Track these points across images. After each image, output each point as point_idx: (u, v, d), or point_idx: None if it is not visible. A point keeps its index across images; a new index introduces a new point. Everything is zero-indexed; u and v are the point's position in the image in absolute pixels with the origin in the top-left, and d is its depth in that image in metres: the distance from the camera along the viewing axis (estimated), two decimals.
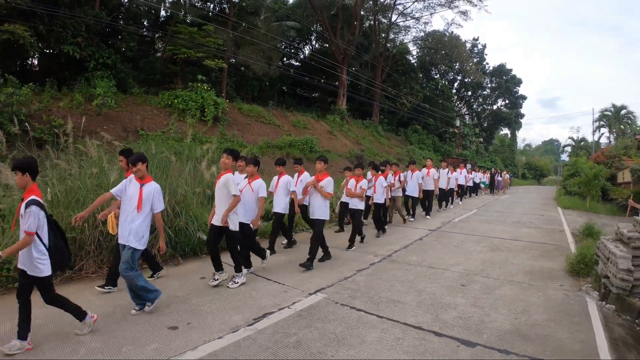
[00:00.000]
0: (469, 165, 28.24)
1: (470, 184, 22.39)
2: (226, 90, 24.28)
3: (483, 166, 37.79)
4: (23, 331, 3.97)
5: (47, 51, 18.55)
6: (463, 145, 47.01)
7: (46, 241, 4.07)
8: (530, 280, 6.61)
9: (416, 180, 12.91)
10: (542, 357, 3.97)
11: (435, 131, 43.22)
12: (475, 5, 36.01)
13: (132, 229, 4.80)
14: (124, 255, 4.80)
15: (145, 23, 25.31)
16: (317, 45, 39.76)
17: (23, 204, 3.95)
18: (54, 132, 12.25)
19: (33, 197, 3.98)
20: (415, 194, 13.06)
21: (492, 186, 29.00)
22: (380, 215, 10.36)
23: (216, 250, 5.94)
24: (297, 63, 37.53)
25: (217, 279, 5.94)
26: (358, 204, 8.64)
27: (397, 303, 5.35)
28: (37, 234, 3.98)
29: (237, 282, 5.90)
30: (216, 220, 5.86)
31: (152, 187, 4.95)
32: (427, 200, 14.06)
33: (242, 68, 27.73)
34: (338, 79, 34.98)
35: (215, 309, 5.03)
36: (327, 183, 7.23)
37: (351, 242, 8.70)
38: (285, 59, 35.35)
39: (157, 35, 24.27)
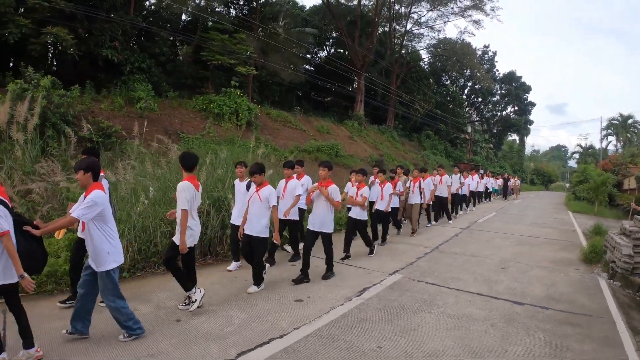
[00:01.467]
0: (481, 171, 30.06)
1: (482, 189, 23.18)
2: (251, 96, 25.89)
3: (494, 172, 39.31)
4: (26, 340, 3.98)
5: (81, 54, 18.89)
6: (474, 151, 49.02)
7: (15, 245, 3.79)
8: (553, 265, 8.61)
9: (427, 187, 12.91)
10: (572, 311, 5.93)
11: (447, 137, 45.28)
12: (488, 15, 37.91)
13: (91, 251, 4.40)
14: (99, 283, 4.43)
15: (168, 27, 26.44)
16: (332, 50, 41.47)
17: None
18: (104, 133, 13.33)
19: None
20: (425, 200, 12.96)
21: (506, 191, 30.22)
22: (376, 225, 10.21)
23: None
24: (311, 68, 39.31)
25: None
26: (360, 214, 8.51)
27: (458, 280, 7.31)
28: None
29: (196, 301, 5.39)
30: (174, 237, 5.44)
31: (92, 197, 4.21)
32: (442, 207, 14.59)
33: (258, 72, 29.18)
34: (354, 83, 37.07)
35: (322, 287, 6.73)
36: (333, 191, 6.95)
37: (371, 248, 9.02)
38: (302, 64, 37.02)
39: (187, 40, 25.34)
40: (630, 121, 46.62)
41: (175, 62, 25.23)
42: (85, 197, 4.25)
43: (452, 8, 38.67)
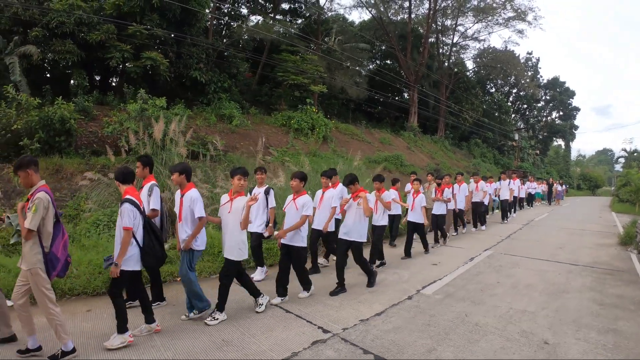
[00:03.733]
0: (529, 176, 32.77)
1: (523, 194, 23.66)
2: (318, 111, 28.95)
3: (541, 177, 41.65)
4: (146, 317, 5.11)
5: (171, 75, 19.98)
6: (521, 158, 51.91)
7: (141, 241, 4.84)
8: (597, 247, 12.31)
9: (463, 193, 13.37)
10: (610, 269, 9.60)
11: (494, 144, 48.54)
12: (531, 24, 41.27)
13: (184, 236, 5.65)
14: (185, 260, 5.62)
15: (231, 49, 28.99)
16: (381, 63, 45.06)
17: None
18: (208, 146, 14.10)
19: (127, 196, 4.76)
20: (462, 206, 13.50)
21: (550, 197, 31.03)
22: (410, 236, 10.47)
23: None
24: (359, 79, 42.72)
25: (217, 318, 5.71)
26: (378, 219, 9.05)
27: (531, 253, 11.07)
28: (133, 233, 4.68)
29: (217, 319, 5.61)
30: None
31: (195, 194, 5.58)
32: (477, 212, 15.05)
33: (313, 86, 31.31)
34: (403, 94, 40.82)
35: (443, 258, 10.38)
36: (387, 195, 8.04)
37: (372, 261, 9.08)
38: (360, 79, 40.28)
39: (255, 59, 28.24)
40: None
41: (243, 80, 28.11)
42: (184, 194, 5.58)
43: (497, 19, 42.02)
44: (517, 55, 48.31)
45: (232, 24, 29.42)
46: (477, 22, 42.94)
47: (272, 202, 7.59)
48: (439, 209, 11.72)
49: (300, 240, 6.56)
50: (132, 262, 4.79)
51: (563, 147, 66.71)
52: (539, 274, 8.95)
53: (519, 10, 40.07)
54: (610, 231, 15.67)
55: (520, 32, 42.25)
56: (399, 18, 41.99)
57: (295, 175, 6.73)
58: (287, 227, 6.53)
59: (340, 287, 7.20)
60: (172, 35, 19.50)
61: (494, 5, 40.64)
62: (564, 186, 37.05)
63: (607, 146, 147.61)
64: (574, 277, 8.70)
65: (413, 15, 41.78)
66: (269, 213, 7.58)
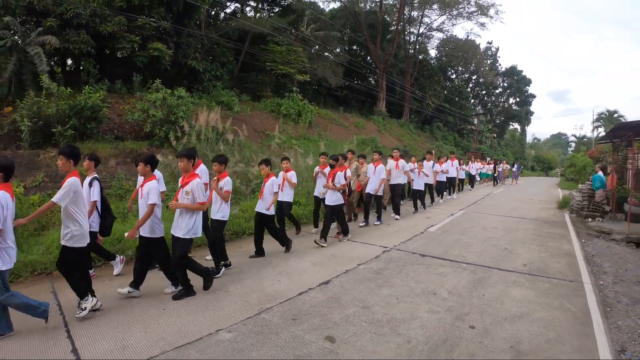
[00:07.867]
0: (489, 158, 37.96)
1: (462, 176, 23.69)
2: (302, 98, 31.83)
3: (498, 158, 46.22)
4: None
5: (171, 64, 20.92)
6: (479, 141, 57.85)
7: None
8: (541, 209, 17.38)
9: (379, 176, 12.41)
10: (548, 220, 14.53)
11: (455, 128, 54.12)
12: (492, 18, 46.61)
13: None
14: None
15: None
16: (347, 48, 48.56)
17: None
18: (218, 132, 16.64)
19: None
20: (379, 192, 12.59)
21: (497, 177, 32.84)
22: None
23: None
24: (332, 66, 46.50)
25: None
26: (263, 208, 8.86)
27: (493, 212, 15.91)
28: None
29: (85, 309, 5.39)
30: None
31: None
32: (394, 197, 14.27)
33: (299, 75, 32.99)
34: (369, 78, 45.23)
35: (432, 215, 14.96)
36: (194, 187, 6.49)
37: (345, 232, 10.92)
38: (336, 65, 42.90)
39: (239, 49, 30.80)
40: (615, 115, 56.01)
41: (231, 69, 30.00)
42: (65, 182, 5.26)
43: (460, 12, 47.26)
44: (477, 44, 53.95)
45: (218, 13, 32.07)
46: (442, 15, 48.18)
47: (95, 195, 6.87)
48: (331, 197, 10.03)
49: (159, 231, 6.26)
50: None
51: (519, 131, 73.93)
52: (499, 222, 13.73)
53: (482, 6, 45.44)
54: (553, 201, 20.87)
55: (482, 24, 47.90)
56: (368, 7, 46.37)
57: (141, 159, 6.26)
58: (141, 217, 6.14)
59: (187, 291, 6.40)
60: (174, 27, 21.25)
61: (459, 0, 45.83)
62: (507, 166, 38.82)
63: (562, 130, 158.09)
64: (523, 224, 13.52)
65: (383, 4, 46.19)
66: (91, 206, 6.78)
